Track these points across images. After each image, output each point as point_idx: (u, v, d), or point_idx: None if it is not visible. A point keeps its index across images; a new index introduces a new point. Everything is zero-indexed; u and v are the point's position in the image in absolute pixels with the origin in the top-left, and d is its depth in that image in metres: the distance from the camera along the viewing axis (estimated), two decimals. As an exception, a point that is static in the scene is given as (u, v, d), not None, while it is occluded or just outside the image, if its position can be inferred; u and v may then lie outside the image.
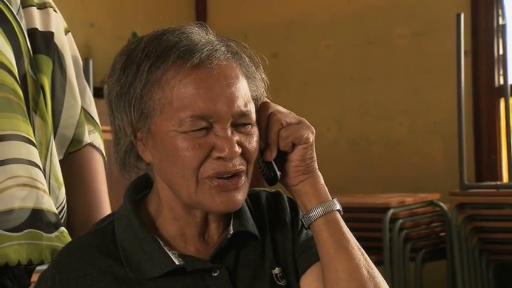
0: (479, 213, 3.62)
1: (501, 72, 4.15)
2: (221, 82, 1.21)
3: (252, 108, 1.24)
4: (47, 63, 1.46)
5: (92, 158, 1.53)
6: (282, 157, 1.29)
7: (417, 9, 4.39)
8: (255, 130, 1.25)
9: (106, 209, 1.54)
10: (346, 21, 4.58)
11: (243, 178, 1.23)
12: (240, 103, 1.21)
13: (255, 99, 1.27)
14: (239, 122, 1.22)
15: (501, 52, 4.11)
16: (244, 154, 1.22)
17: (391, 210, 3.61)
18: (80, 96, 1.53)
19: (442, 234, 3.78)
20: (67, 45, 1.52)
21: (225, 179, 1.21)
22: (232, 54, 1.25)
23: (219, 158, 1.20)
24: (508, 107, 3.78)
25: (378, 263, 3.60)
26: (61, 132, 1.49)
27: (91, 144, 1.54)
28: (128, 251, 1.25)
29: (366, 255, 1.27)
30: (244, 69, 1.25)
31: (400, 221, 3.62)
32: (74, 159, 1.52)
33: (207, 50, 1.21)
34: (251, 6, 4.88)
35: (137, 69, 1.21)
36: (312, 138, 1.28)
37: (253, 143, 1.24)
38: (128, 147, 1.25)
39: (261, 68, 1.29)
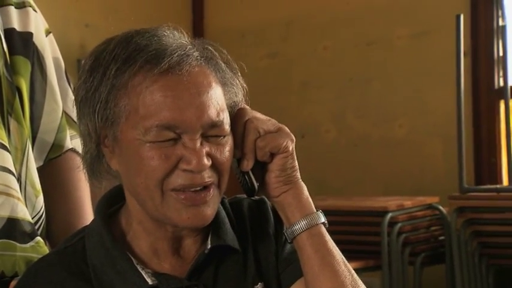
0: (479, 217, 3.59)
1: (501, 73, 4.11)
2: (191, 90, 1.13)
3: (225, 118, 1.16)
4: (24, 65, 1.40)
5: (73, 165, 1.47)
6: (262, 167, 1.21)
7: (416, 10, 4.35)
8: (227, 139, 1.17)
9: (88, 218, 1.47)
10: (345, 22, 4.54)
11: (211, 191, 1.16)
12: (211, 113, 1.14)
13: (231, 107, 1.20)
14: (210, 134, 1.15)
15: (501, 53, 4.07)
16: (215, 165, 1.15)
17: (390, 214, 3.58)
18: (62, 100, 1.47)
19: (442, 238, 3.75)
20: (48, 46, 1.46)
21: (192, 191, 1.14)
22: (206, 60, 1.17)
23: (185, 170, 1.13)
24: (508, 109, 3.74)
25: (376, 267, 3.56)
26: (41, 137, 1.43)
27: (73, 150, 1.48)
28: (100, 270, 1.18)
29: (353, 271, 1.20)
30: (219, 75, 1.18)
31: (399, 224, 3.59)
32: (54, 166, 1.46)
33: (177, 55, 1.13)
34: (249, 6, 4.84)
35: (103, 73, 1.14)
36: (291, 146, 1.20)
37: (225, 153, 1.16)
38: (94, 153, 1.19)
39: (239, 74, 1.21)
